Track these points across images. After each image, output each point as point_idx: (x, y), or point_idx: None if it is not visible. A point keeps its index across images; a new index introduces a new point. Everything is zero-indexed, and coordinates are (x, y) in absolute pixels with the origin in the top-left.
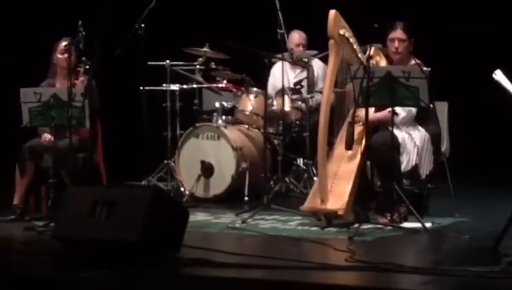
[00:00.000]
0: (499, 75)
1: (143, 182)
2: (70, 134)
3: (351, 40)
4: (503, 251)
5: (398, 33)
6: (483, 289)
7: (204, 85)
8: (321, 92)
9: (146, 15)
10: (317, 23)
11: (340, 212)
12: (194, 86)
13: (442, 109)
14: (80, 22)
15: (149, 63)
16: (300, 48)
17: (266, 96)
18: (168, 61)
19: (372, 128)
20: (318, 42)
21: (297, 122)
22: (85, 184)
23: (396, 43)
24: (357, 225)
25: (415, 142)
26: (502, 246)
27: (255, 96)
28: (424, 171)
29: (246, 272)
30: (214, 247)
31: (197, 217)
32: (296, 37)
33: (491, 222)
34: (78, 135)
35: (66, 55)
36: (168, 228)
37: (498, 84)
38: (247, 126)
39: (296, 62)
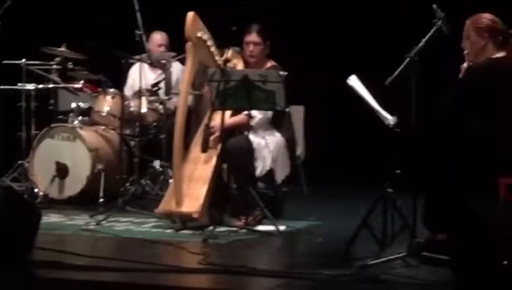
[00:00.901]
0: (353, 81)
1: None
2: None
3: (209, 42)
4: (354, 255)
5: (252, 36)
6: None
7: (61, 85)
8: (179, 94)
9: (2, 13)
10: (178, 25)
11: (195, 215)
12: (50, 86)
13: (298, 112)
14: None
15: (4, 62)
16: (162, 49)
17: (123, 98)
18: (24, 60)
19: (228, 131)
20: (180, 44)
21: (154, 124)
22: None
23: (251, 47)
24: (211, 228)
25: (269, 148)
26: (354, 249)
27: (112, 98)
28: (280, 176)
29: (99, 274)
30: (67, 249)
31: (51, 218)
32: (158, 38)
33: (344, 225)
34: None
35: None
36: (20, 230)
37: (352, 89)
38: (103, 127)
39: (155, 64)
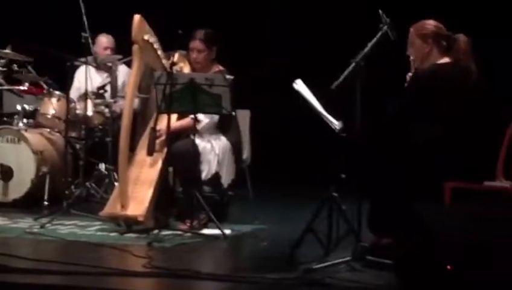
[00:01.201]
0: (299, 85)
1: None
2: None
3: (155, 45)
4: (300, 259)
5: (196, 44)
6: None
7: (6, 87)
8: (125, 97)
9: None
10: (125, 28)
11: (140, 218)
12: None
13: (244, 117)
14: None
15: None
16: (108, 52)
17: (68, 100)
18: None
19: (174, 135)
20: (125, 47)
21: (100, 126)
22: None
23: (195, 53)
24: (156, 231)
25: (215, 151)
26: (299, 253)
27: (58, 100)
28: (226, 180)
29: (43, 278)
30: (10, 252)
31: None
32: (104, 40)
33: (288, 230)
34: None
35: None
36: None
37: (298, 94)
38: (48, 130)
39: (101, 66)
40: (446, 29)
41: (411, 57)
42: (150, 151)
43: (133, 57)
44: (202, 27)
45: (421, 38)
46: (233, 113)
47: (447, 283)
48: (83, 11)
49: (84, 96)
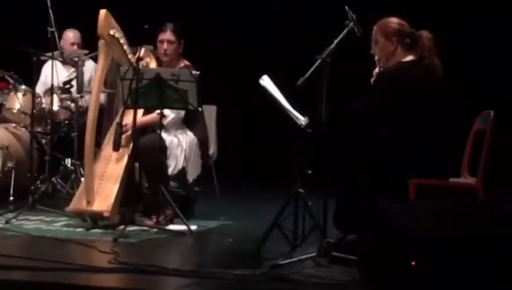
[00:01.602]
0: (265, 80)
1: None
2: None
3: (121, 40)
4: (266, 255)
5: (167, 35)
6: None
7: None
8: (91, 92)
9: None
10: (90, 23)
11: (106, 214)
12: None
13: (210, 112)
14: None
15: None
16: (75, 47)
17: (34, 95)
18: None
19: (140, 130)
20: (91, 42)
21: (66, 122)
22: None
23: (165, 45)
24: (122, 227)
25: (182, 146)
26: (265, 249)
27: (23, 95)
28: (192, 175)
29: (8, 273)
30: None
31: None
32: (71, 36)
33: (254, 226)
34: None
35: None
36: None
37: (264, 89)
38: (14, 125)
39: (67, 61)
40: (409, 25)
41: (376, 56)
42: (116, 147)
43: (99, 52)
44: (169, 21)
45: (385, 36)
46: (200, 108)
47: (411, 279)
48: (49, 5)
49: (50, 91)
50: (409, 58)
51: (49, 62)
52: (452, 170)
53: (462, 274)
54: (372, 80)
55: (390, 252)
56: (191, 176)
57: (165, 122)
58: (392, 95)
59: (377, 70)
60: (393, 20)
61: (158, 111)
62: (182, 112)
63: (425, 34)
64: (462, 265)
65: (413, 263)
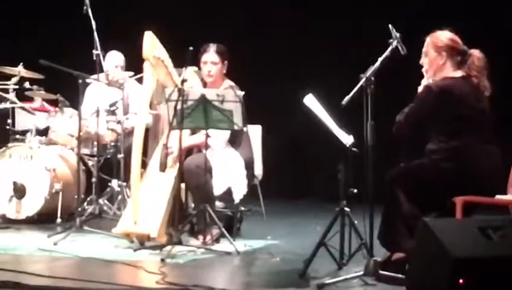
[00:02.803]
0: (309, 100)
1: None
2: None
3: (166, 62)
4: (312, 274)
5: (210, 56)
6: None
7: (18, 105)
8: (136, 114)
9: None
10: (135, 45)
11: (152, 235)
12: (8, 105)
13: (256, 132)
14: None
15: None
16: (119, 69)
17: (80, 117)
18: None
19: (186, 151)
20: (136, 64)
21: (112, 143)
22: None
23: (209, 66)
24: (169, 247)
25: (228, 167)
26: (311, 269)
27: (70, 117)
28: (238, 195)
29: None
30: (24, 269)
31: (8, 238)
32: (114, 58)
33: (301, 245)
34: None
35: None
36: None
37: (309, 109)
38: (61, 147)
39: (111, 83)
40: (463, 42)
41: (424, 67)
42: (162, 168)
43: (144, 74)
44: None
45: (436, 50)
46: (245, 128)
47: None
48: (94, 28)
49: (96, 113)
50: (458, 74)
51: (94, 84)
52: (500, 187)
53: None
54: (419, 87)
55: (437, 271)
56: (237, 196)
57: (211, 142)
58: (437, 110)
59: (424, 80)
60: (446, 35)
61: (204, 131)
62: (227, 132)
63: (476, 53)
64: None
65: (461, 281)
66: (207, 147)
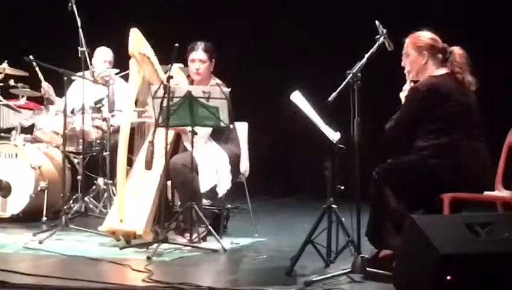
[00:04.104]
0: (296, 97)
1: None
2: None
3: (152, 59)
4: (299, 272)
5: (199, 54)
6: None
7: (3, 102)
8: (122, 111)
9: None
10: (121, 43)
11: (139, 232)
12: None
13: (242, 129)
14: None
15: None
16: (107, 64)
17: (65, 115)
18: None
19: (172, 148)
20: (122, 62)
21: (98, 141)
22: None
23: (197, 64)
24: (156, 245)
25: (214, 164)
26: (298, 266)
27: (55, 115)
28: (221, 189)
29: None
30: (9, 268)
31: None
32: (103, 53)
33: (288, 242)
34: None
35: None
36: None
37: (296, 106)
38: (46, 145)
39: (97, 80)
40: (442, 40)
41: (406, 68)
42: (148, 166)
43: (130, 71)
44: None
45: (417, 50)
46: (231, 125)
47: None
48: (79, 25)
49: (82, 111)
50: (442, 71)
51: (79, 81)
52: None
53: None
54: (401, 93)
55: (425, 267)
56: (220, 191)
57: (197, 139)
58: (426, 109)
59: (407, 85)
60: (426, 35)
61: (189, 128)
62: (209, 129)
63: (457, 50)
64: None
65: (448, 277)
66: (193, 145)
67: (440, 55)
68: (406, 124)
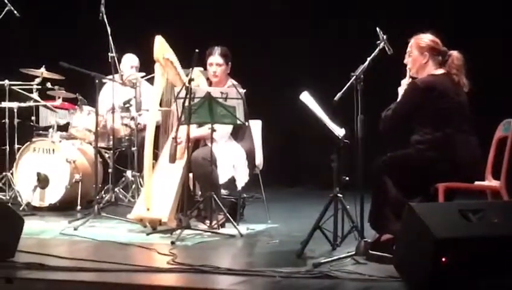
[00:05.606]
0: (305, 97)
1: None
2: None
3: (175, 63)
4: (308, 254)
5: (215, 58)
6: (290, 288)
7: (41, 103)
8: (148, 111)
9: None
10: (146, 49)
11: (164, 220)
12: (32, 104)
13: (256, 126)
14: None
15: None
16: (134, 70)
17: (97, 114)
18: (6, 81)
19: (194, 143)
20: (149, 65)
21: (127, 137)
22: None
23: (214, 68)
24: (179, 231)
25: (231, 158)
26: (308, 249)
27: (88, 114)
28: (240, 182)
29: (77, 275)
30: (47, 252)
31: (33, 224)
32: (130, 59)
33: (298, 228)
34: None
35: None
36: (4, 235)
37: (305, 105)
38: (80, 141)
39: (125, 83)
40: (441, 44)
41: (408, 66)
42: (172, 159)
43: (155, 74)
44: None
45: (419, 50)
46: (247, 123)
47: (442, 275)
48: (109, 32)
49: (112, 110)
50: (440, 71)
51: (109, 84)
52: (479, 174)
53: (492, 271)
54: (400, 88)
55: (422, 250)
56: (239, 184)
57: (216, 135)
58: (422, 104)
59: (405, 80)
60: (428, 37)
61: (209, 126)
62: (230, 127)
63: (455, 54)
64: (492, 263)
65: (443, 259)
66: (212, 140)
67: (439, 57)
68: (402, 115)
